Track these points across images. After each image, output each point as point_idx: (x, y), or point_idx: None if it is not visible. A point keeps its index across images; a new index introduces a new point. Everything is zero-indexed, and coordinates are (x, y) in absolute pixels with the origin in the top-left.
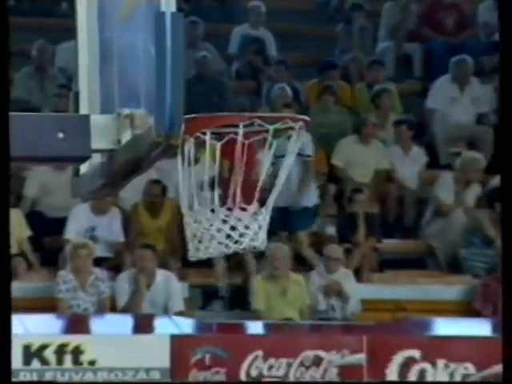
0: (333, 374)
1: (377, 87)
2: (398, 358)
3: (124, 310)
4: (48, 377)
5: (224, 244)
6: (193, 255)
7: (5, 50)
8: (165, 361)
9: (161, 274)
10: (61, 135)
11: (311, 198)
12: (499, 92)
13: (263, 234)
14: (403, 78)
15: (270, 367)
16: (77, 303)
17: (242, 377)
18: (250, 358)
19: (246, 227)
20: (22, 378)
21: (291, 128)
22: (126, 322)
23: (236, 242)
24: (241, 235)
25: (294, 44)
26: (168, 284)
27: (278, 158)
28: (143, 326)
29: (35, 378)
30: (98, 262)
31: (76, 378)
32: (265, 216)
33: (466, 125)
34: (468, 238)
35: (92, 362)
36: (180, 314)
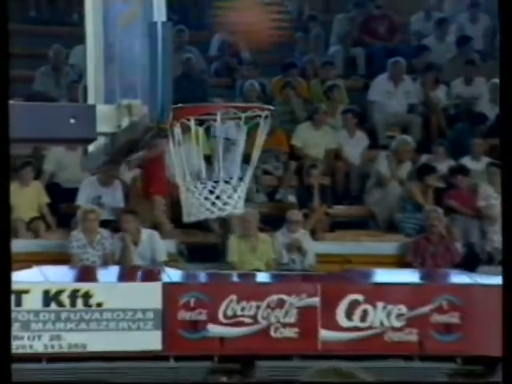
0: (293, 314)
1: (328, 83)
2: (345, 301)
3: (119, 263)
4: (63, 316)
5: (210, 210)
6: (186, 219)
7: (5, 49)
8: (158, 303)
9: (146, 233)
10: (72, 121)
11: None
12: (499, 92)
13: (241, 203)
14: (349, 75)
15: (243, 309)
16: (86, 257)
17: (220, 316)
18: (226, 301)
19: (229, 197)
20: (41, 317)
21: (259, 116)
22: (124, 271)
23: (220, 209)
24: (224, 203)
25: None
26: (152, 240)
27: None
28: (134, 274)
29: (53, 317)
30: (104, 224)
31: (86, 317)
32: (243, 188)
33: (400, 113)
34: (402, 204)
35: (99, 304)
36: (165, 263)
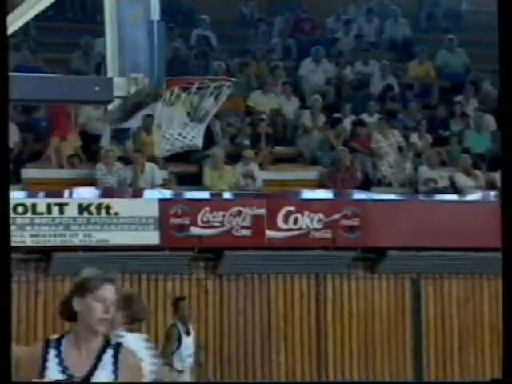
0: (247, 220)
1: (272, 64)
2: (283, 211)
3: (130, 185)
4: (92, 221)
5: (180, 146)
6: (161, 153)
7: (5, 49)
8: (156, 213)
9: (148, 165)
10: (97, 88)
11: None
12: (499, 91)
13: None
14: (286, 58)
15: (214, 217)
16: (107, 182)
17: (199, 222)
18: (202, 211)
19: (193, 136)
20: (77, 221)
21: (224, 85)
22: (134, 191)
23: (186, 145)
24: (190, 140)
25: (226, 39)
26: (152, 170)
27: None
28: (140, 193)
29: (85, 221)
30: (119, 158)
31: (107, 222)
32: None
33: (320, 85)
34: (321, 145)
35: (116, 213)
36: (161, 185)
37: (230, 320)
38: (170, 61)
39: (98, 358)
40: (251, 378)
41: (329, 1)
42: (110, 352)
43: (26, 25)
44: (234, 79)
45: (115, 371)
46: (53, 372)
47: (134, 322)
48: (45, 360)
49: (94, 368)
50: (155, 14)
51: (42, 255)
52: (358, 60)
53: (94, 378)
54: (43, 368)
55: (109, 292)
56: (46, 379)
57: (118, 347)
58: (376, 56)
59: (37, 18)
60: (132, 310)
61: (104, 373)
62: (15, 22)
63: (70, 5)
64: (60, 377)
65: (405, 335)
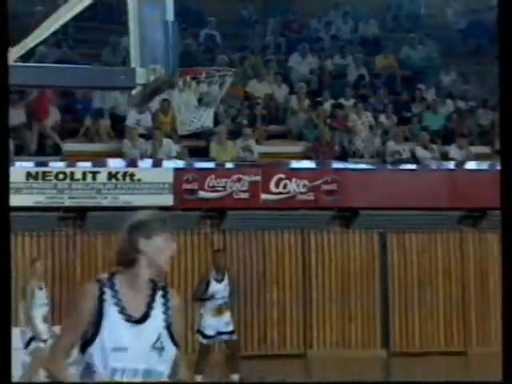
0: (246, 186)
1: (266, 58)
2: (275, 178)
3: (150, 157)
4: (119, 185)
5: (196, 126)
6: (182, 132)
7: (5, 49)
8: (171, 179)
9: (165, 140)
10: (122, 77)
11: None
12: (499, 91)
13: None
14: (277, 53)
15: (218, 182)
16: (131, 154)
17: (206, 187)
18: (208, 179)
19: (205, 118)
20: (107, 186)
21: (226, 75)
22: (153, 161)
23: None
24: (203, 122)
25: (229, 37)
26: (169, 144)
27: None
28: (159, 163)
29: (113, 186)
30: (141, 135)
31: (131, 186)
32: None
33: (305, 74)
34: (306, 124)
35: (139, 180)
36: (175, 157)
37: (231, 267)
38: (182, 54)
39: (152, 299)
40: (249, 314)
41: (313, 5)
42: (159, 293)
43: (65, 25)
44: (234, 70)
45: (166, 311)
46: (111, 312)
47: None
48: (102, 300)
49: (149, 308)
50: (170, 16)
51: (78, 214)
52: (336, 54)
53: (150, 318)
54: (101, 308)
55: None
56: (105, 321)
57: (164, 288)
58: (351, 51)
59: (74, 19)
60: None
61: (158, 312)
62: (56, 23)
63: (101, 9)
64: (119, 317)
65: (374, 278)
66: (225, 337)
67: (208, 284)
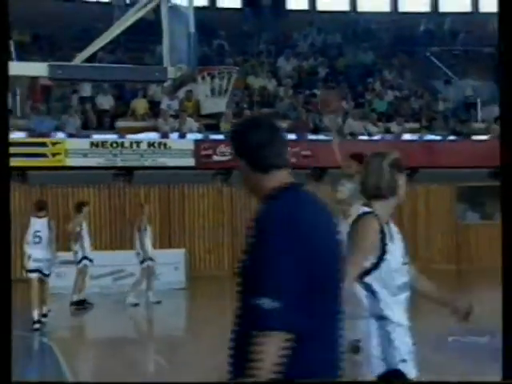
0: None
1: (261, 60)
2: None
3: (177, 131)
4: (156, 152)
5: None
6: (204, 113)
7: (5, 49)
8: (192, 147)
9: (188, 119)
10: (157, 74)
11: None
12: (499, 91)
13: (223, 106)
14: (269, 57)
15: (226, 150)
16: (164, 129)
17: (218, 152)
18: (219, 147)
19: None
20: (135, 150)
21: (233, 71)
22: (179, 134)
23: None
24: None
25: (234, 45)
26: (191, 123)
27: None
28: (184, 136)
29: (151, 152)
30: (171, 115)
31: (164, 152)
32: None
33: (291, 71)
34: (289, 108)
35: (170, 147)
36: (196, 132)
37: (238, 212)
38: (200, 57)
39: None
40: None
41: (294, 22)
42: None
43: (118, 37)
44: (238, 68)
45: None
46: (389, 238)
47: None
48: (382, 229)
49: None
50: (192, 29)
51: (127, 172)
52: (310, 57)
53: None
54: (383, 236)
55: None
56: (389, 246)
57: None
58: (321, 55)
59: (123, 32)
60: None
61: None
62: (111, 35)
63: (143, 24)
64: (393, 241)
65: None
66: None
67: None
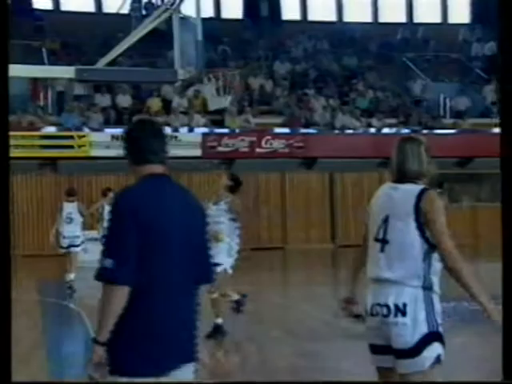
0: (245, 144)
1: (259, 63)
2: (265, 139)
3: (187, 125)
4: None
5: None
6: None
7: (5, 49)
8: (199, 140)
9: (196, 116)
10: (169, 75)
11: None
12: (499, 93)
13: (227, 103)
14: (267, 61)
15: (229, 142)
16: (175, 124)
17: (222, 144)
18: (223, 139)
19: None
20: None
21: (235, 73)
22: (188, 128)
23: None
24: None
25: (236, 51)
26: (198, 118)
27: None
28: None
29: None
30: (181, 112)
31: (176, 143)
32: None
33: (283, 72)
34: (284, 105)
35: (180, 140)
36: (203, 126)
37: (242, 197)
38: (206, 61)
39: None
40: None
41: (288, 31)
42: None
43: (135, 44)
44: (239, 71)
45: None
46: None
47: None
48: None
49: None
50: (199, 37)
51: None
52: (303, 62)
53: None
54: None
55: None
56: None
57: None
58: (312, 60)
59: (140, 40)
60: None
61: None
62: (129, 42)
63: (157, 33)
64: None
65: (324, 201)
66: None
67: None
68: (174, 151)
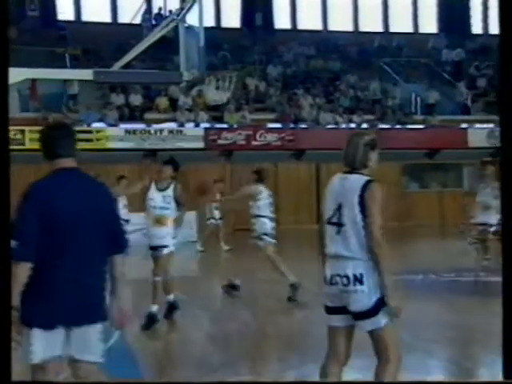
0: (242, 137)
1: (254, 67)
2: (259, 133)
3: (193, 121)
4: (176, 137)
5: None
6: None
7: (5, 50)
8: (202, 134)
9: (200, 112)
10: (175, 77)
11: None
12: (499, 91)
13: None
14: (261, 65)
15: (228, 135)
16: (181, 119)
17: (222, 138)
18: (223, 133)
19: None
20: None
21: (233, 74)
22: (194, 124)
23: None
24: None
25: (235, 56)
26: (202, 114)
27: None
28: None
29: (171, 137)
30: (186, 109)
31: (181, 137)
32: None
33: (278, 75)
34: (276, 103)
35: (185, 134)
36: (205, 121)
37: (237, 182)
38: (208, 64)
39: None
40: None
41: (280, 38)
42: None
43: (146, 49)
44: (237, 73)
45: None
46: None
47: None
48: None
49: None
50: (202, 43)
51: (152, 153)
52: (293, 65)
53: None
54: None
55: None
56: None
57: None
58: (301, 63)
59: (150, 46)
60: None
61: None
62: (141, 48)
63: (165, 40)
64: None
65: (311, 187)
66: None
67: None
68: (179, 144)
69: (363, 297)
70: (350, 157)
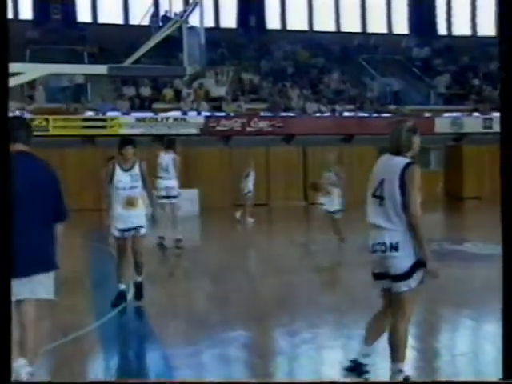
0: (238, 124)
1: (249, 63)
2: (253, 120)
3: (195, 110)
4: (180, 124)
5: (218, 95)
6: (212, 96)
7: (4, 50)
8: (203, 121)
9: (201, 103)
10: (179, 71)
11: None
12: (500, 92)
13: (225, 90)
14: (255, 62)
15: (226, 123)
16: (184, 109)
17: (220, 124)
18: (221, 121)
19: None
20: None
21: (230, 69)
22: (196, 112)
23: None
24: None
25: (233, 54)
26: (202, 104)
27: None
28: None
29: (176, 124)
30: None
31: (184, 124)
32: (225, 89)
33: (274, 75)
34: (269, 94)
35: (188, 121)
36: (206, 111)
37: (233, 164)
38: (208, 60)
39: None
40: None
41: (273, 38)
42: None
43: (153, 47)
44: (234, 68)
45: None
46: None
47: None
48: None
49: None
50: (202, 41)
51: (160, 138)
52: (283, 61)
53: None
54: None
55: None
56: None
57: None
58: (291, 60)
59: (157, 45)
60: None
61: None
62: (149, 45)
63: (170, 39)
64: None
65: (299, 171)
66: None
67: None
68: (183, 130)
69: (399, 261)
70: (395, 141)
